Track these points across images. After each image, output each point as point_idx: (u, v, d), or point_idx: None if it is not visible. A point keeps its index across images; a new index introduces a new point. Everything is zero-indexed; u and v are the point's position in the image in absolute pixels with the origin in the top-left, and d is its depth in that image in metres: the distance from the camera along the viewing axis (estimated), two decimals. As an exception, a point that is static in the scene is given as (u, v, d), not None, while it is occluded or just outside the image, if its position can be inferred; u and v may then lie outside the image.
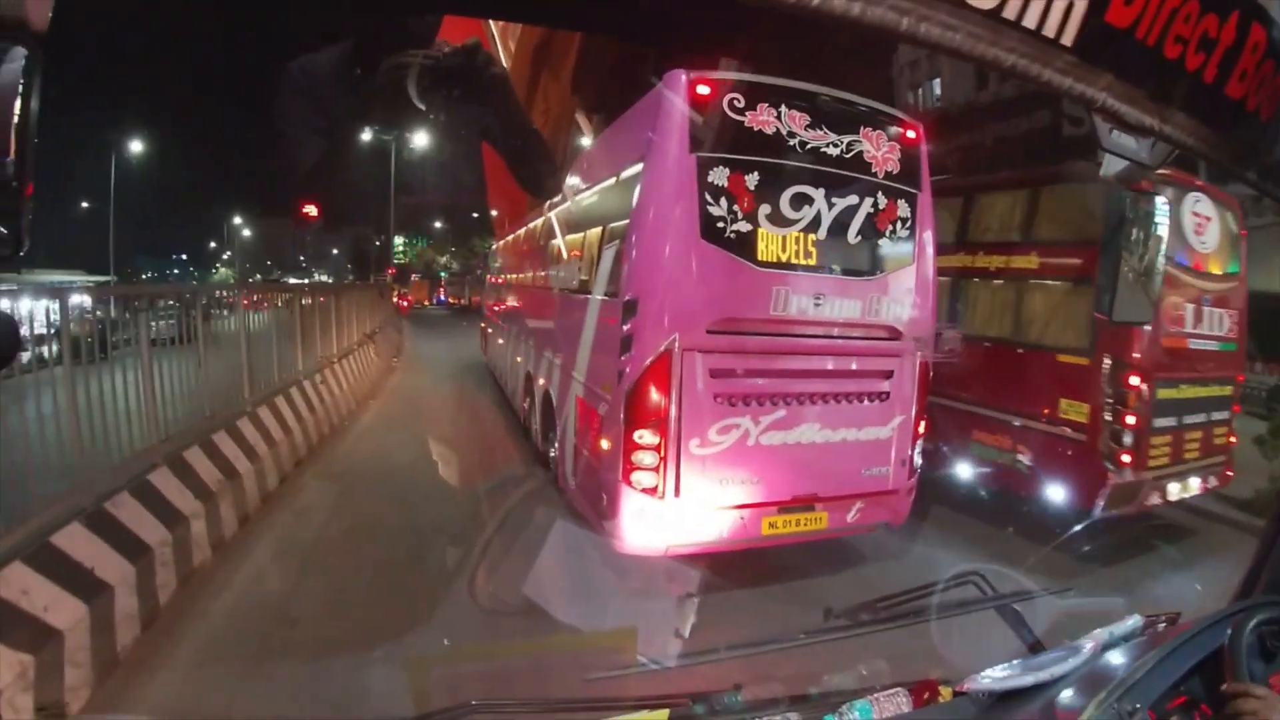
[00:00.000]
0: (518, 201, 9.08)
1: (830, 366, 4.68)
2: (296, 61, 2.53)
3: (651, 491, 4.27)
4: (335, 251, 66.71)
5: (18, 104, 1.02)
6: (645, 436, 4.28)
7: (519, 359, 8.76)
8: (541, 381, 6.97)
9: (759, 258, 4.35)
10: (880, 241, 4.70)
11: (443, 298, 46.95)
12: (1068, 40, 1.11)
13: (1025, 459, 6.07)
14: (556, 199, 7.57)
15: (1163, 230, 4.60)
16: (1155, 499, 5.64)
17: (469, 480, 6.70)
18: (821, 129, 4.48)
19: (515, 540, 4.24)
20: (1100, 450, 5.51)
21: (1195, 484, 5.91)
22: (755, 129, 4.33)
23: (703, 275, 4.26)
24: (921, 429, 4.95)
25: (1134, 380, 5.44)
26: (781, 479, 4.54)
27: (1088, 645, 1.42)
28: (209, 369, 5.73)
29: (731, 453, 4.38)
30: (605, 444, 4.59)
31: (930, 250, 4.90)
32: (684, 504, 4.31)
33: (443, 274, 52.79)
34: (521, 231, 10.81)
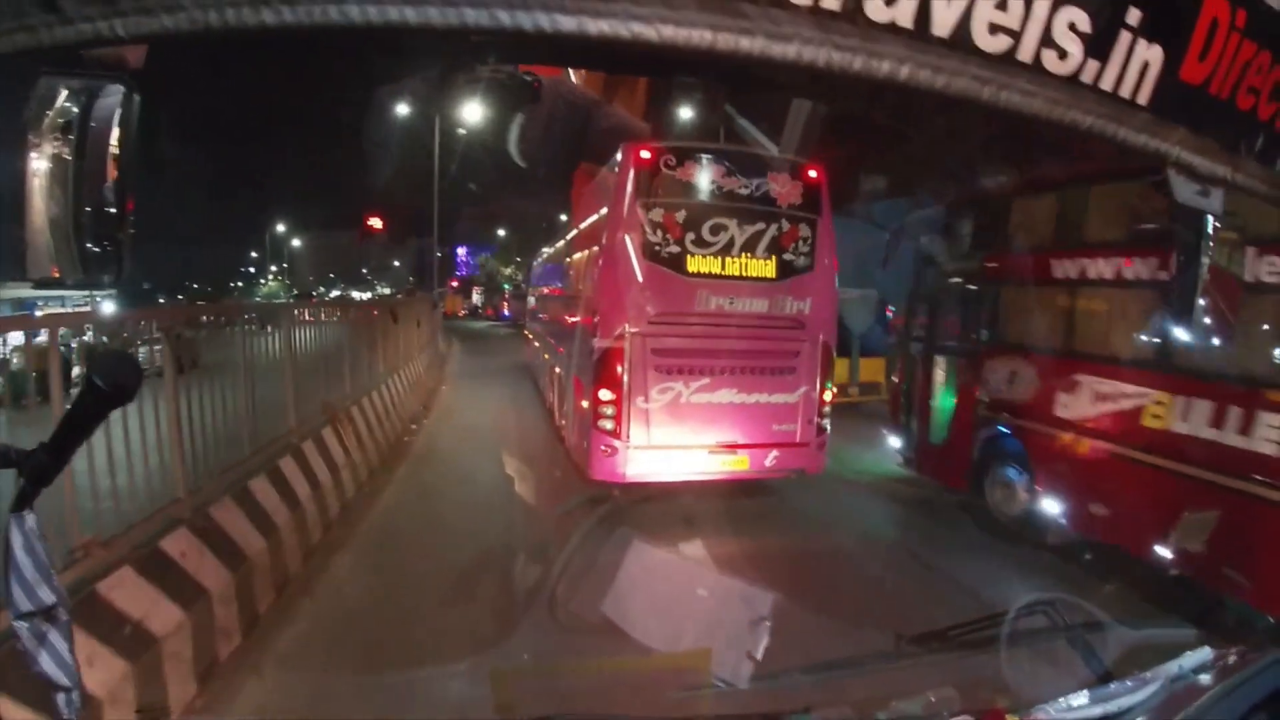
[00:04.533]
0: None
1: (744, 347, 6.13)
2: (386, 88, 2.74)
3: (612, 434, 5.97)
4: (397, 264, 67.51)
5: (115, 134, 1.15)
6: (606, 394, 5.98)
7: (546, 356, 10.82)
8: (558, 370, 8.91)
9: (686, 270, 5.96)
10: (785, 256, 6.15)
11: (507, 313, 40.00)
12: (1143, 100, 1.16)
13: None
14: (574, 225, 9.73)
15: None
16: None
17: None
18: (735, 176, 6.00)
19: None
20: None
21: None
22: (683, 180, 5.96)
23: (645, 284, 5.92)
24: (828, 398, 6.47)
25: None
26: (708, 429, 6.09)
27: (1157, 677, 1.42)
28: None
29: (669, 408, 6.01)
30: (585, 403, 6.38)
31: (830, 260, 6.36)
32: (634, 444, 5.97)
33: (506, 286, 48.37)
34: (545, 253, 14.05)
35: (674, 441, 6.02)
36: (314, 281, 69.25)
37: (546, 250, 14.47)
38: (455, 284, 55.98)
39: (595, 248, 6.72)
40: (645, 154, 5.90)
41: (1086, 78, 1.11)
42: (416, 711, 2.81)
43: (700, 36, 0.92)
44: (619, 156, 6.16)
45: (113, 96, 1.16)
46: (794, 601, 4.36)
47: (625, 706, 1.44)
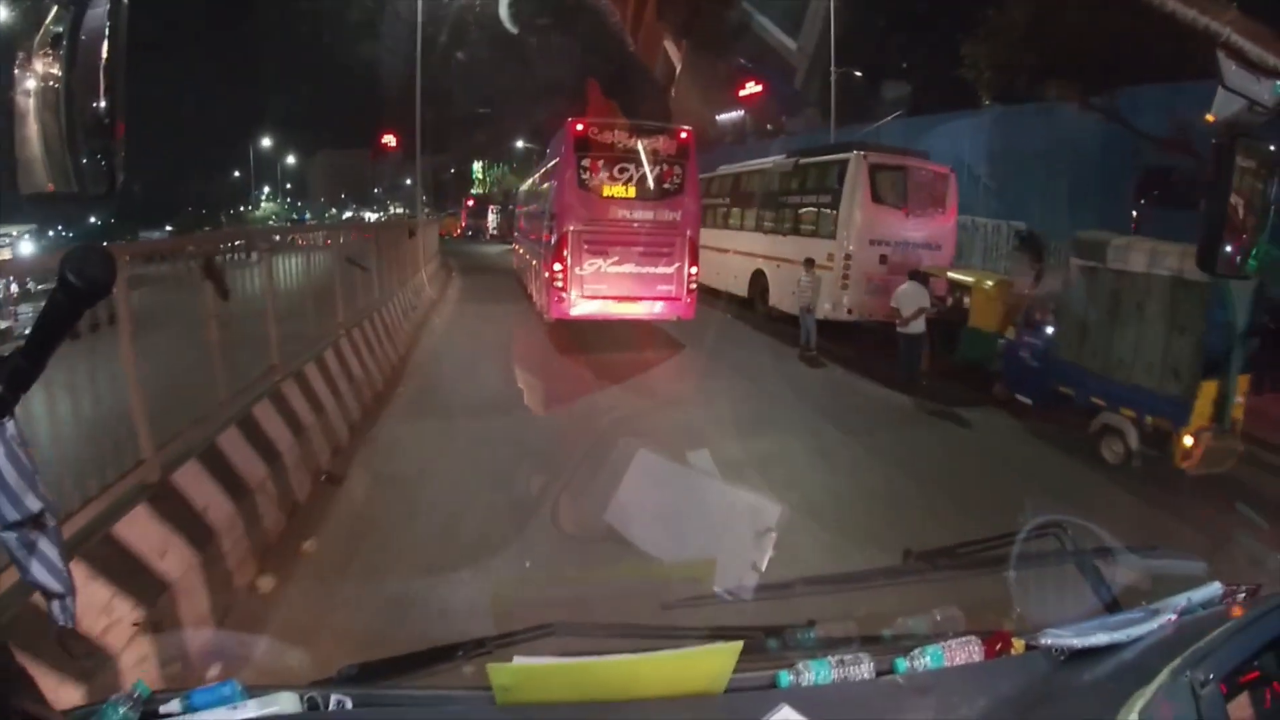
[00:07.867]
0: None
1: (640, 239, 10.26)
2: None
3: (561, 289, 10.16)
4: (409, 182, 63.65)
5: (105, 46, 1.10)
6: (557, 266, 10.17)
7: (528, 257, 15.02)
8: (534, 262, 13.16)
9: (604, 194, 10.14)
10: (664, 185, 10.30)
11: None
12: (1194, -30, 1.09)
13: None
14: (543, 166, 14.91)
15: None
16: None
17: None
18: (634, 138, 10.16)
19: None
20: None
21: None
22: (603, 140, 10.14)
23: (580, 203, 10.10)
24: (694, 271, 10.62)
25: None
26: (618, 287, 10.27)
27: (1165, 610, 1.39)
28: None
29: (594, 274, 10.18)
30: (545, 273, 10.74)
31: (694, 186, 10.67)
32: (574, 295, 10.15)
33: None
34: (527, 183, 19.29)
35: (598, 294, 10.20)
36: (325, 202, 66.64)
37: (527, 182, 19.70)
38: (471, 202, 53.39)
39: (553, 181, 11.21)
40: (580, 126, 10.15)
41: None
42: (418, 620, 2.82)
43: None
44: (563, 127, 10.44)
45: (101, 7, 1.11)
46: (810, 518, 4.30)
47: (624, 615, 1.42)
